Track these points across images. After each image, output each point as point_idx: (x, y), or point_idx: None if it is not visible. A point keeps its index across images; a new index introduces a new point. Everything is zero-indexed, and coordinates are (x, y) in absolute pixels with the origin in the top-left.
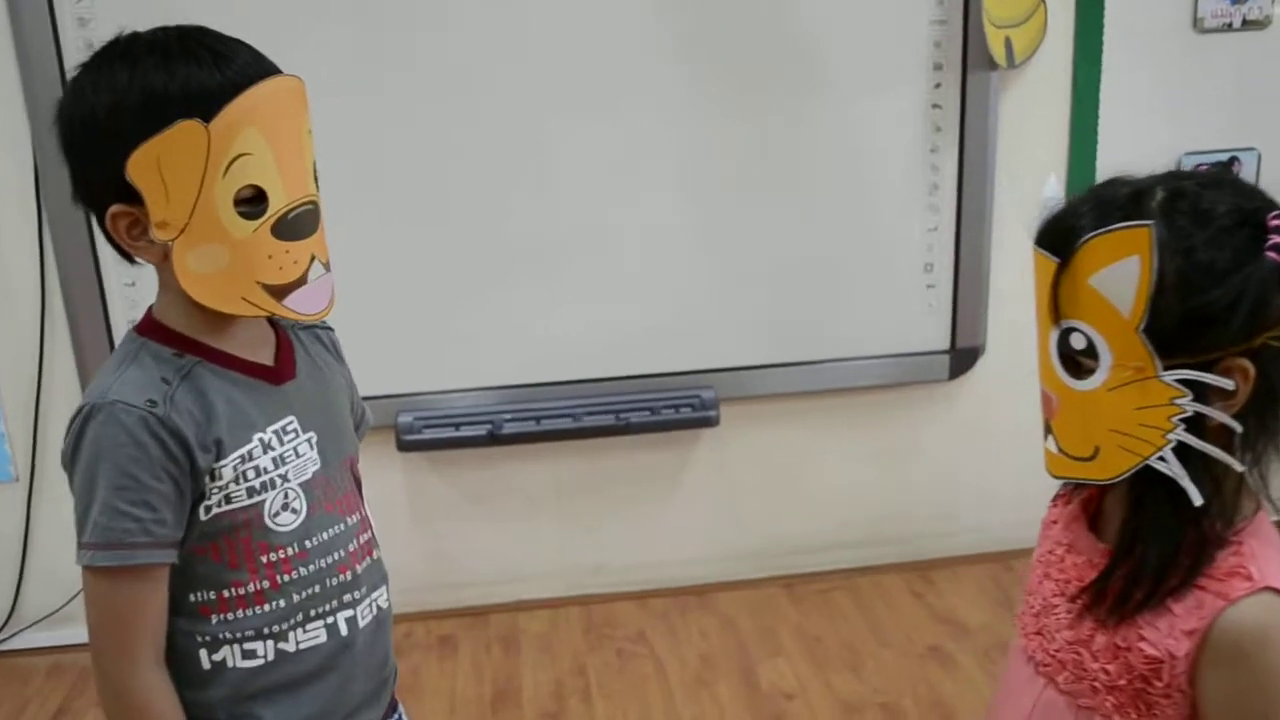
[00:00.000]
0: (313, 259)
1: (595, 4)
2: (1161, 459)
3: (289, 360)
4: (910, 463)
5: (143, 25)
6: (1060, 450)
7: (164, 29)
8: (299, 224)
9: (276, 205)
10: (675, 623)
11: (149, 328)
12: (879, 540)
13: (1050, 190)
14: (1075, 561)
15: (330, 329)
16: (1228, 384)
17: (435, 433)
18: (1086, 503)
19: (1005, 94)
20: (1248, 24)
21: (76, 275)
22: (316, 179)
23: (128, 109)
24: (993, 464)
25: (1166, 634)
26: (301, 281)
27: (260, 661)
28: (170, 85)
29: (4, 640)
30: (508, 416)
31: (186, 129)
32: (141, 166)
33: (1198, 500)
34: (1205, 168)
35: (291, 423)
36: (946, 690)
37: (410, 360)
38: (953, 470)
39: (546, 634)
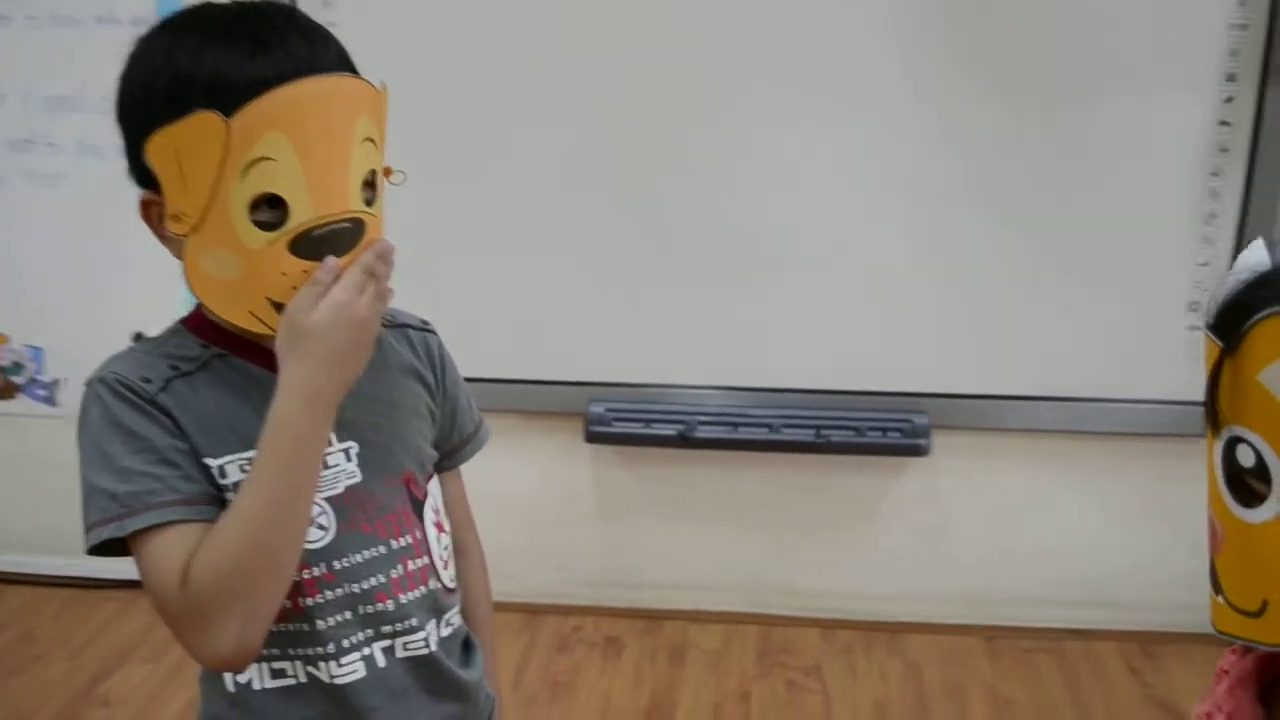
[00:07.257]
0: None
1: None
2: None
3: None
4: (1151, 521)
5: None
6: (1225, 599)
7: (239, 3)
8: (326, 243)
9: (299, 219)
10: (857, 660)
11: (191, 317)
12: (1099, 603)
13: (1253, 256)
14: None
15: (431, 330)
16: None
17: (625, 427)
18: (1264, 661)
19: None
20: None
21: None
22: (373, 187)
23: (156, 90)
24: None
25: None
26: None
27: (292, 682)
28: (197, 72)
29: None
30: (701, 419)
31: (204, 120)
32: (159, 152)
33: None
34: None
35: None
36: None
37: (603, 349)
38: (1200, 537)
39: (718, 651)
